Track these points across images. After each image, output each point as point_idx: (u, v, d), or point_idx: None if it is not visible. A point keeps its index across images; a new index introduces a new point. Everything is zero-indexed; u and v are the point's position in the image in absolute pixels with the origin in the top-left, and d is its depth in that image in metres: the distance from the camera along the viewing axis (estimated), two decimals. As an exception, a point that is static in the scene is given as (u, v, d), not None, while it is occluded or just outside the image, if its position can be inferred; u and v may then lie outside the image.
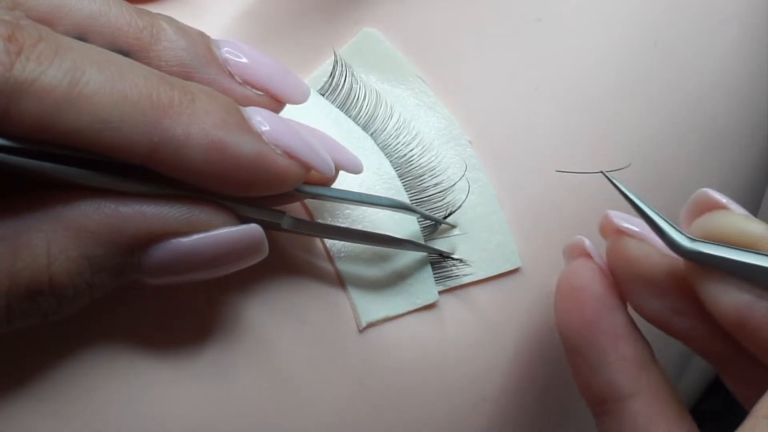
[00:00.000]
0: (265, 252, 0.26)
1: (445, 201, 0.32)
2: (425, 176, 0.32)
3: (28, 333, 0.25)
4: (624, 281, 0.29)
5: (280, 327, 0.28)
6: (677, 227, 0.28)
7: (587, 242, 0.31)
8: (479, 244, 0.32)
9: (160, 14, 0.26)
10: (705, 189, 0.28)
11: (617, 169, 0.30)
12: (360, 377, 0.29)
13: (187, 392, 0.27)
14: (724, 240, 0.27)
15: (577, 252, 0.31)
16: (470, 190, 0.32)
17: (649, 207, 0.28)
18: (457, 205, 0.32)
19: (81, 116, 0.22)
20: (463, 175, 0.33)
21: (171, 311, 0.27)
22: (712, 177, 0.36)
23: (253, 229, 0.25)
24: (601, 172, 0.29)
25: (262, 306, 0.28)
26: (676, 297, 0.29)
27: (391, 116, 0.33)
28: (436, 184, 0.32)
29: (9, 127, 0.22)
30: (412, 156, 0.33)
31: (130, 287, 0.26)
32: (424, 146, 0.33)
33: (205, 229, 0.25)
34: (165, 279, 0.25)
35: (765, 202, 0.44)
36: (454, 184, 0.32)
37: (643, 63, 0.35)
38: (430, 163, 0.33)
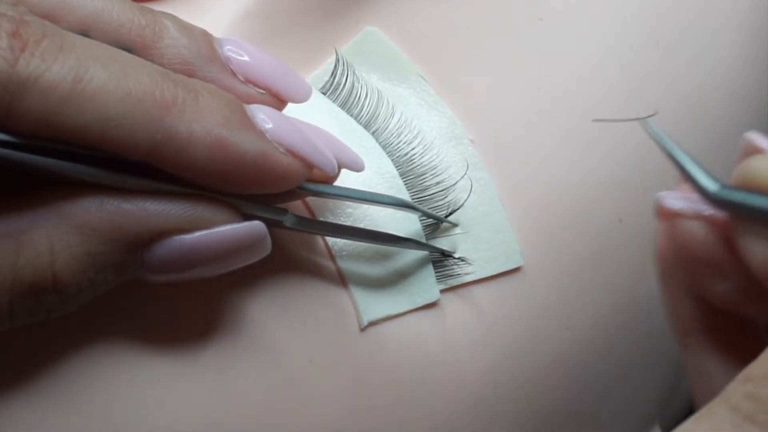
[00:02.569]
0: (268, 249, 0.26)
1: (447, 200, 0.32)
2: (427, 175, 0.32)
3: (30, 330, 0.25)
4: (687, 267, 0.27)
5: (281, 325, 0.28)
6: (709, 173, 0.25)
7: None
8: (481, 243, 0.32)
9: (162, 12, 0.26)
10: (749, 132, 0.26)
11: (651, 115, 0.28)
12: (361, 375, 0.29)
13: (189, 389, 0.27)
14: (760, 186, 0.24)
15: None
16: (472, 189, 0.33)
17: (681, 150, 0.26)
18: (459, 204, 0.32)
19: (84, 113, 0.22)
20: (464, 174, 0.33)
21: (173, 308, 0.27)
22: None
23: (256, 226, 0.26)
24: (638, 119, 0.28)
25: (264, 304, 0.28)
26: (742, 274, 0.26)
27: (392, 115, 0.33)
28: (437, 183, 0.32)
29: (13, 124, 0.22)
30: (414, 155, 0.33)
31: (133, 284, 0.26)
32: (425, 145, 0.33)
33: (208, 226, 0.25)
34: (168, 276, 0.25)
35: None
36: (456, 183, 0.32)
37: (645, 63, 0.35)
38: (431, 162, 0.33)
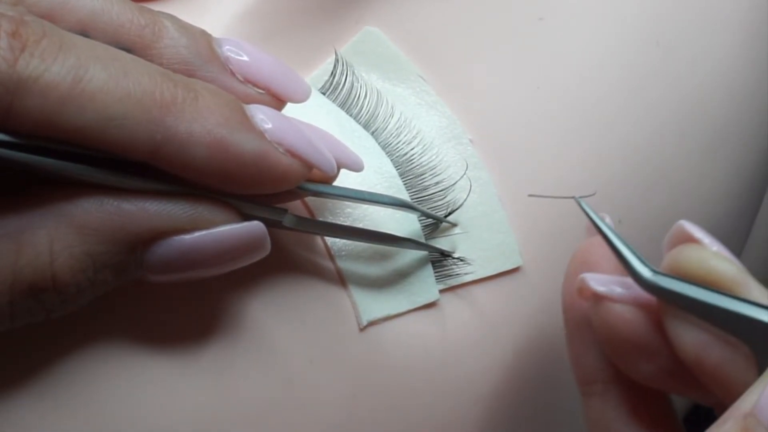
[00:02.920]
0: (267, 249, 0.26)
1: (446, 200, 0.32)
2: (426, 175, 0.32)
3: (30, 330, 0.25)
4: (610, 347, 0.28)
5: (281, 325, 0.28)
6: (643, 259, 0.27)
7: (608, 219, 0.30)
8: (480, 243, 0.32)
9: (162, 12, 0.26)
10: (682, 221, 0.27)
11: (589, 195, 0.29)
12: (361, 375, 0.29)
13: (189, 389, 0.27)
14: (689, 276, 0.26)
15: (596, 229, 0.30)
16: (471, 189, 0.33)
17: (616, 236, 0.27)
18: (458, 204, 0.32)
19: (84, 113, 0.22)
20: (464, 174, 0.33)
21: (173, 309, 0.27)
22: (712, 177, 0.36)
23: (255, 226, 0.26)
24: (574, 198, 0.29)
25: (264, 304, 0.28)
26: (667, 356, 0.27)
27: (392, 115, 0.33)
28: (437, 183, 0.32)
29: (13, 124, 0.22)
30: (413, 155, 0.33)
31: (133, 284, 0.26)
32: (425, 145, 0.33)
33: (208, 226, 0.25)
34: (167, 276, 0.25)
35: (765, 202, 0.44)
36: (455, 183, 0.32)
37: (645, 63, 0.35)
38: (431, 161, 0.33)
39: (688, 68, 0.36)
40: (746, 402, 0.23)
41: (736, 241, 0.40)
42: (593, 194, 0.31)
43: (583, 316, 0.29)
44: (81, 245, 0.23)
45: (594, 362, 0.29)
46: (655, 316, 0.27)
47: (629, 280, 0.28)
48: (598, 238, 0.29)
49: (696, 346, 0.25)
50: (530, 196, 0.32)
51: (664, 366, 0.27)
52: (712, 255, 0.26)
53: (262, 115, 0.25)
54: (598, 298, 0.28)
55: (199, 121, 0.24)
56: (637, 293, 0.27)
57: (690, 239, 0.27)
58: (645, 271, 0.26)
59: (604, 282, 0.28)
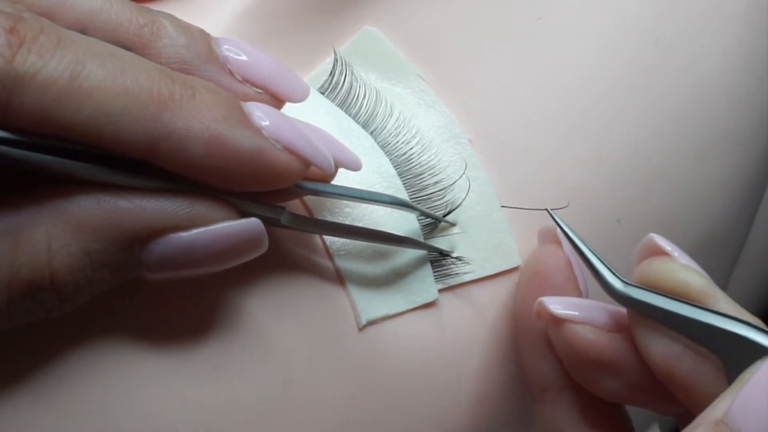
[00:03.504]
0: (265, 246, 0.26)
1: (445, 199, 0.32)
2: (425, 174, 0.32)
3: (28, 329, 0.25)
4: (573, 367, 0.29)
5: (279, 324, 0.28)
6: (614, 270, 0.27)
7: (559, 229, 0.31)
8: (479, 242, 0.32)
9: (160, 11, 0.26)
10: (652, 234, 0.28)
11: (561, 208, 0.31)
12: (359, 375, 0.29)
13: (187, 388, 0.27)
14: (659, 287, 0.26)
15: (549, 237, 0.31)
16: (470, 188, 0.33)
17: (588, 248, 0.28)
18: (457, 204, 0.32)
19: (82, 109, 0.22)
20: (463, 174, 0.33)
21: (170, 307, 0.27)
22: (711, 176, 0.37)
23: (253, 222, 0.25)
24: (546, 209, 0.30)
25: (262, 303, 0.28)
26: (630, 372, 0.28)
27: (390, 114, 0.33)
28: (435, 183, 0.32)
29: (10, 120, 0.22)
30: (412, 154, 0.33)
31: (131, 283, 0.26)
32: (423, 144, 0.33)
33: (206, 223, 0.25)
34: (165, 274, 0.25)
35: (765, 201, 0.44)
36: (454, 183, 0.32)
37: (644, 62, 0.35)
38: (429, 161, 0.33)
39: (688, 68, 0.36)
40: (717, 409, 0.23)
41: (736, 240, 0.40)
42: (566, 206, 0.31)
43: (536, 327, 0.30)
44: (79, 243, 0.23)
45: (546, 371, 0.30)
46: (619, 334, 0.28)
47: (588, 301, 0.29)
48: (550, 247, 0.30)
49: (666, 357, 0.26)
50: (504, 207, 0.32)
51: (627, 381, 0.28)
52: (682, 267, 0.27)
53: (259, 113, 0.25)
54: (558, 321, 0.28)
55: (197, 118, 0.24)
56: (596, 314, 0.28)
57: (660, 252, 0.28)
58: (616, 283, 0.27)
59: (563, 304, 0.28)
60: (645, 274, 0.27)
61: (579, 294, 0.30)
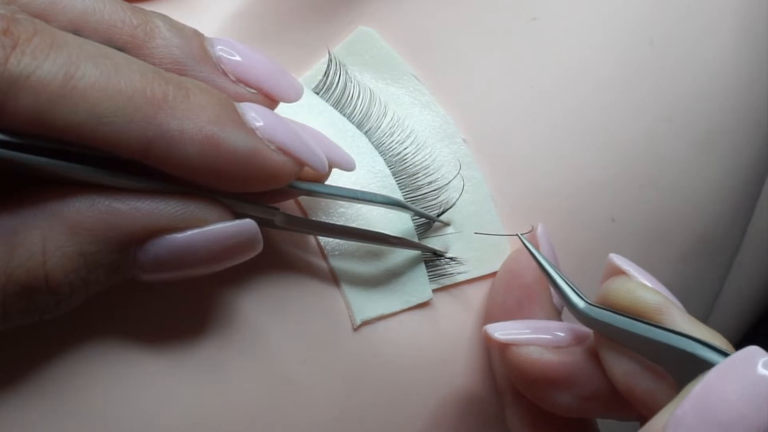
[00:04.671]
0: (260, 247, 0.26)
1: (439, 199, 0.32)
2: (419, 174, 0.32)
3: (24, 331, 0.25)
4: (526, 387, 0.29)
5: (274, 325, 0.28)
6: (578, 291, 0.28)
7: (539, 230, 0.32)
8: (473, 242, 0.32)
9: (154, 12, 0.26)
10: (612, 254, 0.28)
11: (528, 232, 0.31)
12: (355, 374, 0.29)
13: (183, 389, 0.27)
14: (617, 307, 0.27)
15: (528, 238, 0.31)
16: (464, 188, 0.33)
17: (555, 270, 0.29)
18: (451, 204, 0.32)
19: (76, 111, 0.22)
20: (457, 174, 0.33)
21: (166, 308, 0.27)
22: (706, 175, 0.37)
23: (248, 224, 0.26)
24: (517, 234, 0.30)
25: (257, 303, 0.28)
26: (584, 383, 0.28)
27: (385, 114, 0.33)
28: (430, 183, 0.32)
29: (4, 122, 0.22)
30: (406, 154, 0.33)
31: (126, 284, 0.26)
32: (418, 144, 0.33)
33: (200, 224, 0.25)
34: (160, 275, 0.25)
35: (762, 201, 0.44)
36: (449, 183, 0.32)
37: (639, 61, 0.35)
38: (424, 161, 0.33)
39: (683, 67, 0.36)
40: (656, 424, 0.23)
41: (732, 240, 0.40)
42: (530, 231, 0.32)
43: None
44: (74, 245, 0.23)
45: (501, 377, 0.31)
46: (570, 348, 0.29)
47: (532, 321, 0.29)
48: (522, 249, 0.31)
49: (626, 375, 0.26)
50: (476, 233, 0.33)
51: (581, 394, 0.28)
52: (638, 286, 0.27)
53: (253, 113, 0.25)
54: (503, 346, 0.29)
55: (191, 119, 0.24)
56: (541, 333, 0.29)
57: (618, 271, 0.28)
58: (580, 303, 0.28)
59: (507, 329, 0.29)
60: (604, 294, 0.28)
61: (547, 293, 0.31)
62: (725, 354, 0.24)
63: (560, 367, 0.28)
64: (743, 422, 0.22)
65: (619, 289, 0.27)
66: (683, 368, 0.24)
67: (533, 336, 0.29)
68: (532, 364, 0.28)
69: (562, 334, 0.29)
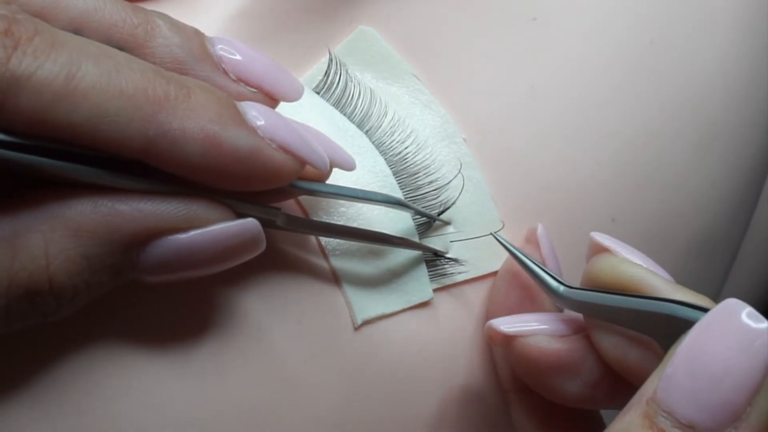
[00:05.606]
0: (262, 247, 0.26)
1: (440, 199, 0.32)
2: (420, 174, 0.32)
3: (27, 333, 0.25)
4: (535, 378, 0.29)
5: (276, 324, 0.28)
6: (557, 277, 0.28)
7: (539, 230, 0.32)
8: (473, 242, 0.32)
9: (154, 11, 0.26)
10: (593, 233, 0.29)
11: (500, 229, 0.32)
12: (355, 374, 0.29)
13: (184, 389, 0.27)
14: (602, 284, 0.27)
15: (529, 237, 0.32)
16: (465, 188, 0.33)
17: (531, 260, 0.29)
18: (451, 203, 0.32)
19: (77, 110, 0.22)
20: (458, 173, 0.33)
21: (168, 309, 0.27)
22: (706, 174, 0.37)
23: (250, 223, 0.25)
24: (492, 234, 0.31)
25: (259, 303, 0.28)
26: (588, 370, 0.28)
27: (385, 114, 0.33)
28: (430, 182, 0.32)
29: (5, 122, 0.22)
30: (407, 154, 0.33)
31: (128, 285, 0.25)
32: (418, 144, 0.33)
33: (203, 224, 0.25)
34: (163, 276, 0.25)
35: (762, 200, 0.44)
36: (449, 182, 0.32)
37: (639, 61, 0.35)
38: (424, 161, 0.33)
39: (683, 67, 0.36)
40: (648, 388, 0.23)
41: (732, 238, 0.40)
42: (502, 227, 0.32)
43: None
44: (77, 248, 0.23)
45: (504, 375, 0.31)
46: (573, 336, 0.29)
47: (536, 313, 0.30)
48: (528, 248, 0.31)
49: (616, 351, 0.27)
50: (452, 241, 0.33)
51: (588, 381, 0.28)
52: (620, 261, 0.27)
53: (254, 112, 0.25)
54: (509, 339, 0.29)
55: (192, 118, 0.24)
56: (546, 323, 0.29)
57: (601, 249, 0.28)
58: (559, 288, 0.28)
59: (511, 322, 0.29)
60: (588, 273, 0.28)
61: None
62: (706, 310, 0.24)
63: (568, 354, 0.28)
64: (733, 372, 0.22)
65: (602, 267, 0.27)
66: (669, 332, 0.24)
67: (540, 326, 0.29)
68: (540, 353, 0.28)
69: (566, 324, 0.29)
